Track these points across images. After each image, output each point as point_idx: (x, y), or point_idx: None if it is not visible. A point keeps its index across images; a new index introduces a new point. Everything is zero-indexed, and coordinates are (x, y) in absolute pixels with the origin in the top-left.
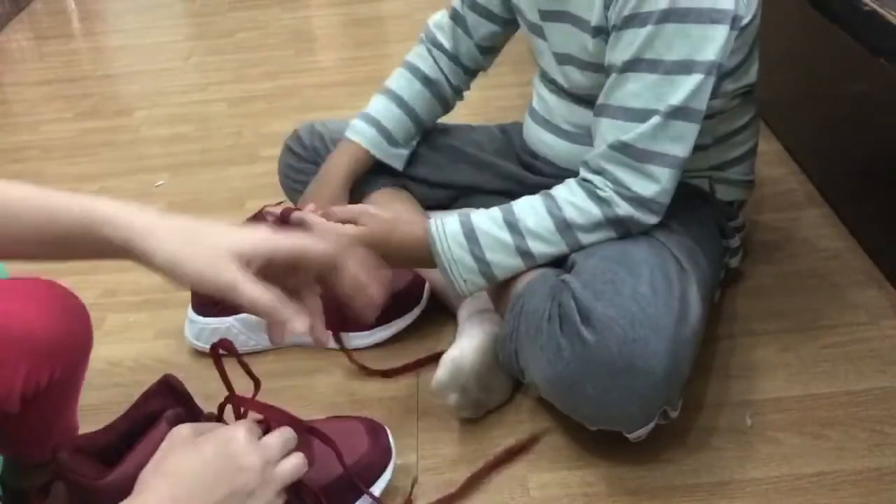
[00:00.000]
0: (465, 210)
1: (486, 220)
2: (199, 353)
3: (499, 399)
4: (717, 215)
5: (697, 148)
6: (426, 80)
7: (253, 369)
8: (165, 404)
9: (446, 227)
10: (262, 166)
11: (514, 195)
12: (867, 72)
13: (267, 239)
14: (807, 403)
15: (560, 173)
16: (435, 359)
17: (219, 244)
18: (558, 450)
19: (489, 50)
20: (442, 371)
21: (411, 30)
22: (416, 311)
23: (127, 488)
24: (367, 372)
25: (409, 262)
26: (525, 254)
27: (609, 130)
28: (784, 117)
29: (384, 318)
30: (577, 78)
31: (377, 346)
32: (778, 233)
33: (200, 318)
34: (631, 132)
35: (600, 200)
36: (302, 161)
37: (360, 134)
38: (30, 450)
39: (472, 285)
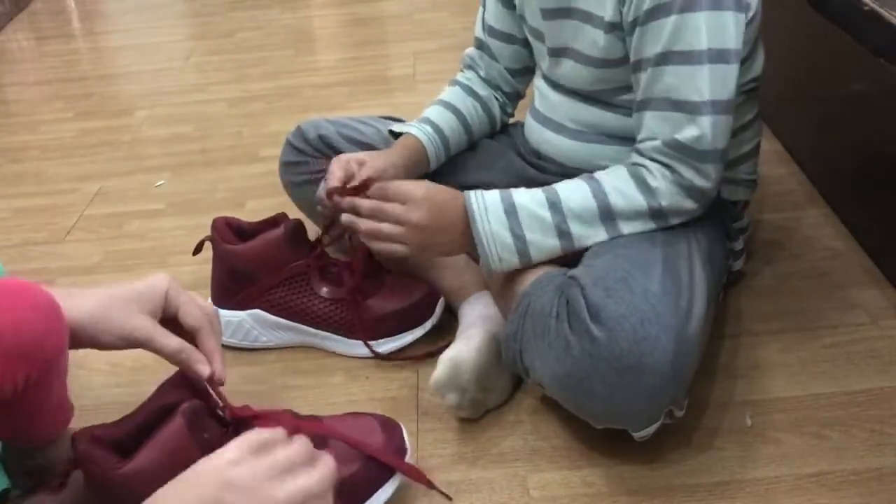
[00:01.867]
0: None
1: (528, 198)
2: None
3: (498, 399)
4: (722, 216)
5: None
6: (475, 95)
7: (257, 368)
8: (181, 397)
9: (486, 200)
10: (262, 166)
11: None
12: (867, 72)
13: (161, 296)
14: (807, 403)
15: (566, 171)
16: (437, 354)
17: (128, 304)
18: (558, 449)
19: (520, 72)
20: (440, 371)
21: (411, 30)
22: (429, 325)
23: (140, 480)
24: (380, 357)
25: (452, 237)
26: (564, 234)
27: (657, 123)
28: (784, 117)
29: (397, 328)
30: (579, 73)
31: None
32: (778, 233)
33: (221, 312)
34: (686, 133)
35: (647, 190)
36: (302, 155)
37: (419, 131)
38: (21, 437)
39: (507, 263)
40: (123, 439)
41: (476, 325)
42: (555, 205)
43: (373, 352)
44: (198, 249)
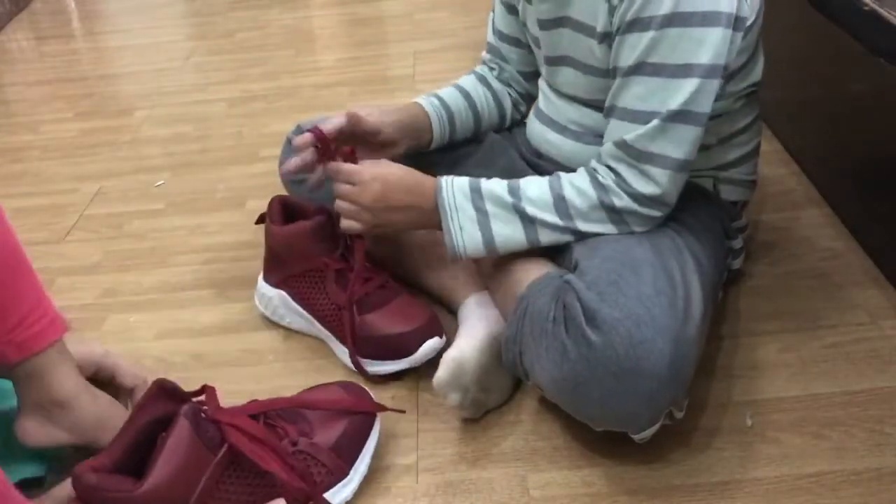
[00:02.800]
0: None
1: (493, 182)
2: (198, 353)
3: (498, 399)
4: (720, 216)
5: (701, 148)
6: (488, 85)
7: (257, 368)
8: (166, 407)
9: (454, 179)
10: (262, 166)
11: None
12: (867, 72)
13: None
14: (807, 403)
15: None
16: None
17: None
18: (558, 449)
19: (532, 75)
20: (442, 371)
21: (411, 30)
22: (404, 364)
23: (162, 492)
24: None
25: (418, 214)
26: (524, 216)
27: (616, 131)
28: (784, 117)
29: (379, 354)
30: (579, 81)
31: None
32: (778, 233)
33: (262, 284)
34: (631, 133)
35: (599, 186)
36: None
37: (425, 101)
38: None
39: (468, 237)
40: (120, 464)
41: (477, 326)
42: (514, 190)
43: (360, 370)
44: (260, 221)
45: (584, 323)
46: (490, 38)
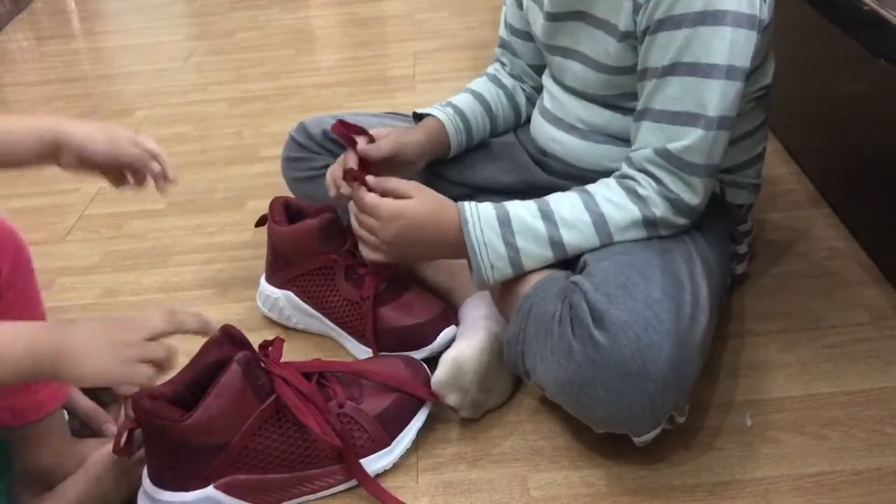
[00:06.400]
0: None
1: (521, 208)
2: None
3: (497, 400)
4: (726, 219)
5: None
6: (500, 84)
7: None
8: (228, 352)
9: (480, 210)
10: (262, 166)
11: (527, 197)
12: (867, 72)
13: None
14: (807, 403)
15: (569, 171)
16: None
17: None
18: (559, 449)
19: (543, 68)
20: (441, 371)
21: (411, 30)
22: (424, 352)
23: (204, 427)
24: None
25: (442, 247)
26: (556, 245)
27: (652, 133)
28: (784, 117)
29: (396, 346)
30: (588, 77)
31: None
32: (778, 233)
33: (265, 285)
34: (677, 142)
35: (639, 199)
36: (304, 150)
37: (440, 112)
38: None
39: (498, 273)
40: (179, 397)
41: (477, 326)
42: (547, 215)
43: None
44: (260, 223)
45: (591, 324)
46: (502, 32)
